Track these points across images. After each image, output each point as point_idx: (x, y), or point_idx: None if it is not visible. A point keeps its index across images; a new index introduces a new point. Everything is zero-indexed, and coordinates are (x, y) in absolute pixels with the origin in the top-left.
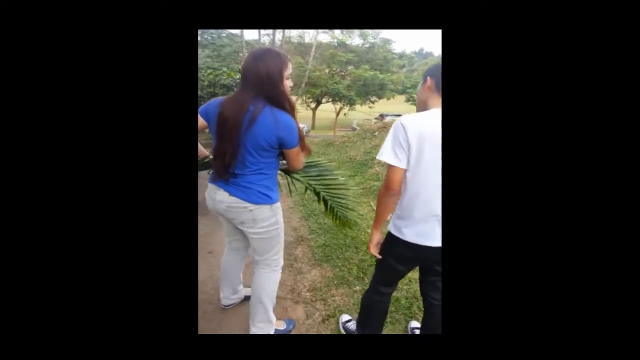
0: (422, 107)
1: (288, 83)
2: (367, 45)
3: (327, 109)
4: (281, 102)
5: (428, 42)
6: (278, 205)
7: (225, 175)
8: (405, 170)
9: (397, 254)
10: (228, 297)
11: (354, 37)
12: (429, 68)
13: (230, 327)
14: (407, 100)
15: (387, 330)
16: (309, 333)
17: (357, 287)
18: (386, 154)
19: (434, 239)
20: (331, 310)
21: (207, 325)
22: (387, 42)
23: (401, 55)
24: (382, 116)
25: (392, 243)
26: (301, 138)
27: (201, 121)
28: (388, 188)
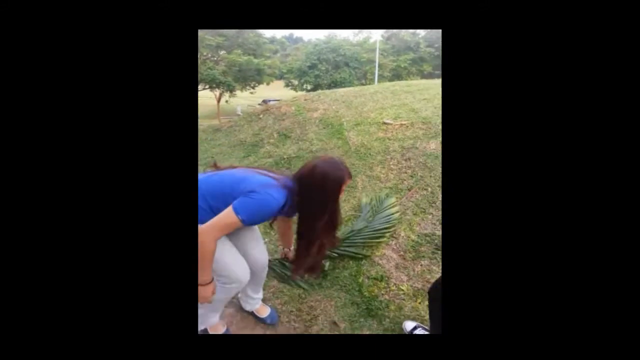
0: None
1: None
2: (235, 29)
3: (205, 96)
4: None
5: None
6: None
7: None
8: None
9: None
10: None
11: None
12: None
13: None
14: (287, 86)
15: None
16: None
17: None
18: None
19: None
20: None
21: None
22: None
23: (272, 40)
24: (264, 102)
25: None
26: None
27: None
28: None
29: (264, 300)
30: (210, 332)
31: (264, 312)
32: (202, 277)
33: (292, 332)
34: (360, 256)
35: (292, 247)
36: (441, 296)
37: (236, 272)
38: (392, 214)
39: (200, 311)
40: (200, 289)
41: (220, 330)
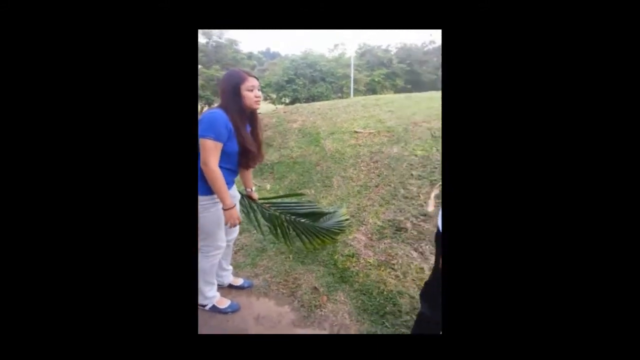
0: None
1: (249, 95)
2: (213, 45)
3: None
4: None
5: (273, 42)
6: (203, 199)
7: None
8: None
9: None
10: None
11: (199, 37)
12: None
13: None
14: (265, 99)
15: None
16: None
17: None
18: None
19: None
20: None
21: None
22: (233, 42)
23: (249, 56)
24: None
25: None
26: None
27: None
28: None
29: (256, 276)
30: (219, 306)
31: (238, 281)
32: (225, 204)
33: (280, 297)
34: (309, 245)
35: (253, 188)
36: (431, 296)
37: (217, 239)
38: (342, 220)
39: (199, 289)
40: (226, 213)
41: (226, 302)
